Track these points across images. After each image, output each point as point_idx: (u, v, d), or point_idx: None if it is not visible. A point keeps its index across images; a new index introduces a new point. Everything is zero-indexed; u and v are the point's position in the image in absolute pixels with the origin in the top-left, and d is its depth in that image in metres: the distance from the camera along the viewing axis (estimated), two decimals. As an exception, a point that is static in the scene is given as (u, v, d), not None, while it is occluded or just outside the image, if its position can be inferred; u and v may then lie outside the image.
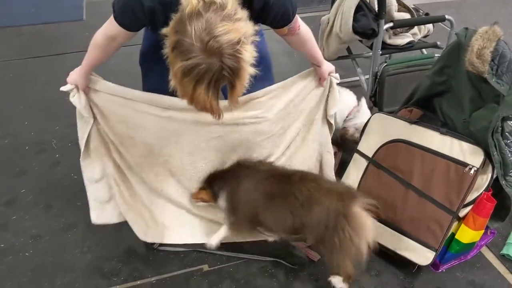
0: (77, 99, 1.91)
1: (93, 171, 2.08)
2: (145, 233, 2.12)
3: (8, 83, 3.47)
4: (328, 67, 2.09)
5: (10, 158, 2.74)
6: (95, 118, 1.98)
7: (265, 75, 2.10)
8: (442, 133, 2.08)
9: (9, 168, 2.66)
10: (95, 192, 2.12)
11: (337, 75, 2.12)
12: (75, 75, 1.90)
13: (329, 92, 2.15)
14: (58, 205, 2.42)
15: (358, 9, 2.64)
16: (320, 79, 2.11)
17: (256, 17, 1.61)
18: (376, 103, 2.77)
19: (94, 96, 1.96)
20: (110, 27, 1.73)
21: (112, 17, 1.70)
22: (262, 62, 2.10)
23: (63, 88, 1.91)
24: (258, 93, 1.99)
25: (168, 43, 1.42)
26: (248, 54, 1.41)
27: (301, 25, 1.85)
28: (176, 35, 1.39)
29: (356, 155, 2.31)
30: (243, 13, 1.44)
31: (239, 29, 1.39)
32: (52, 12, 4.60)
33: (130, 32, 1.73)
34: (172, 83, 1.47)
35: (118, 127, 2.00)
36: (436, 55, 2.71)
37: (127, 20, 1.68)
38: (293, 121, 2.13)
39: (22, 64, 3.71)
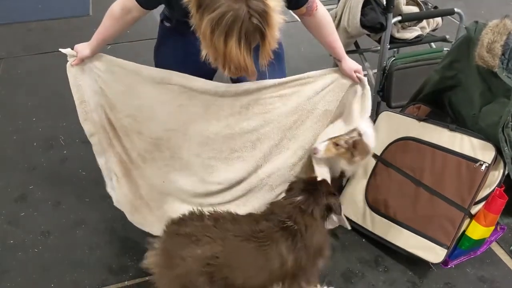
0: (70, 69, 1.93)
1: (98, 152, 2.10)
2: (143, 225, 2.13)
3: (17, 79, 3.49)
4: (352, 64, 1.97)
5: (19, 154, 2.76)
6: (103, 108, 1.99)
7: (278, 66, 2.05)
8: (451, 129, 2.07)
9: (18, 164, 2.68)
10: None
11: (363, 76, 1.98)
12: (81, 44, 1.91)
13: (361, 94, 1.98)
14: (66, 201, 2.43)
15: (366, 3, 2.61)
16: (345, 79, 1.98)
17: None
18: (384, 98, 2.74)
19: (105, 87, 1.96)
20: None
21: None
22: (274, 53, 2.05)
23: (62, 49, 1.92)
24: (269, 82, 1.95)
25: (191, 6, 1.43)
26: (274, 1, 1.40)
27: (319, 6, 1.83)
28: None
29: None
30: None
31: None
32: (59, 7, 4.62)
33: (144, 9, 1.76)
34: (203, 49, 1.47)
35: (126, 121, 2.00)
36: (445, 49, 2.68)
37: None
38: (306, 118, 2.03)
39: (30, 60, 3.73)
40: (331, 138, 1.98)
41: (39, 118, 3.05)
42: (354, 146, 1.96)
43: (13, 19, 4.41)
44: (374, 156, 2.24)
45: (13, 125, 2.99)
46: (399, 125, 2.24)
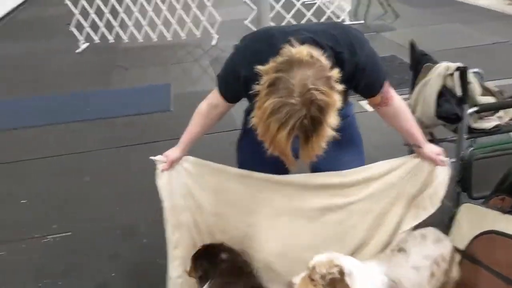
0: (160, 176, 1.98)
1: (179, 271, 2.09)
2: None
3: (102, 170, 3.74)
4: (434, 148, 2.00)
5: (103, 242, 2.88)
6: (191, 210, 2.05)
7: (356, 157, 2.09)
8: (540, 222, 1.95)
9: (101, 251, 2.80)
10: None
11: (446, 159, 2.00)
12: (169, 150, 2.02)
13: (442, 180, 2.00)
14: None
15: (440, 94, 2.63)
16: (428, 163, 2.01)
17: (346, 80, 1.65)
18: (465, 188, 2.66)
19: (195, 188, 2.03)
20: (213, 96, 1.92)
21: (216, 87, 1.89)
22: (352, 140, 2.08)
23: (152, 157, 2.01)
24: (350, 172, 1.99)
25: (265, 79, 1.52)
26: (333, 119, 1.50)
27: (394, 96, 1.89)
28: (278, 73, 1.49)
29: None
30: (340, 87, 1.53)
31: (334, 98, 1.50)
32: (142, 104, 4.94)
33: (229, 103, 1.90)
34: (255, 120, 1.56)
35: (212, 220, 2.06)
36: (526, 138, 2.61)
37: (227, 90, 1.86)
38: (392, 205, 2.03)
39: (115, 152, 4.00)
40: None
41: (122, 207, 3.21)
42: (331, 285, 1.65)
43: (98, 115, 4.71)
44: (459, 251, 2.13)
45: (100, 213, 3.16)
46: (482, 218, 2.13)
